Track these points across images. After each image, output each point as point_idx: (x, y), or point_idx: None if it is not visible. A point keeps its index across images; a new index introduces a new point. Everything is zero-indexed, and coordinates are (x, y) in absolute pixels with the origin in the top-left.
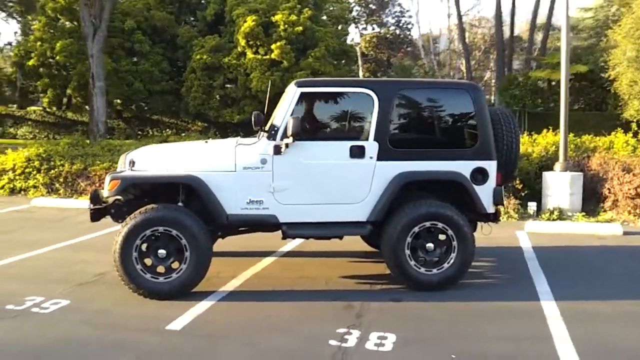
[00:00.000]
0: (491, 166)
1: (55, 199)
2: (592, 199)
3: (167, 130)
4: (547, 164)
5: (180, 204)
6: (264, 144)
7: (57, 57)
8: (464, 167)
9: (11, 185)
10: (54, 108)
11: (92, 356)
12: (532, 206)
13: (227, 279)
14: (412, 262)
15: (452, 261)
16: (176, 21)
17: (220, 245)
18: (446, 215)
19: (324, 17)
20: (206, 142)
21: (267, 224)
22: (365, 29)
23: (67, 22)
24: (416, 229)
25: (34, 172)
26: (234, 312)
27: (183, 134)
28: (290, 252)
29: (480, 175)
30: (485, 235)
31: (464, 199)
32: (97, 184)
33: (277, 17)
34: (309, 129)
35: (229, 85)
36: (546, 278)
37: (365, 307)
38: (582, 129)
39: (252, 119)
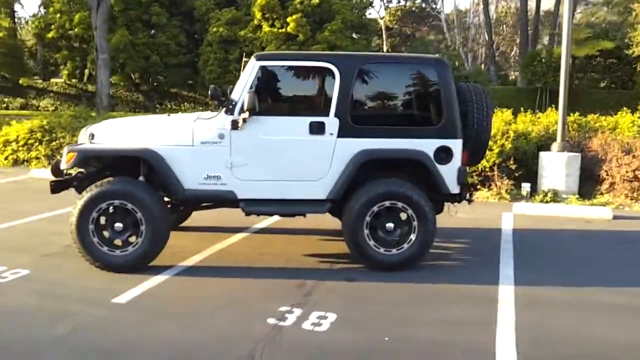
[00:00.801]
0: (456, 145)
1: None
2: (591, 181)
3: (185, 103)
4: (546, 143)
5: (141, 177)
6: (222, 118)
7: (76, 30)
8: (427, 146)
9: (14, 157)
10: (74, 80)
11: (29, 325)
12: (525, 187)
13: (191, 254)
14: (372, 242)
15: (411, 241)
16: None
17: (195, 219)
18: (406, 195)
19: None
20: (168, 115)
21: (225, 200)
22: (390, 1)
23: None
24: (375, 208)
25: (36, 144)
26: (183, 288)
27: (200, 108)
28: (265, 229)
29: (444, 154)
30: (452, 215)
31: (427, 179)
32: None
33: None
34: (268, 103)
35: (245, 59)
36: (514, 262)
37: (317, 286)
38: (605, 108)
39: (209, 92)
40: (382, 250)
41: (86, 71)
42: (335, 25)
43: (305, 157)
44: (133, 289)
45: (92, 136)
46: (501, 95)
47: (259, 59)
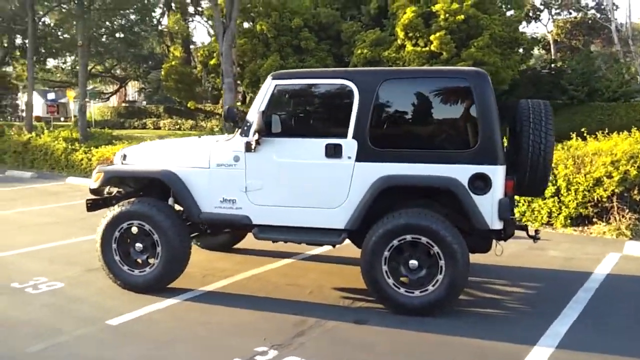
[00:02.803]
0: (496, 172)
1: None
2: None
3: None
4: None
5: (170, 199)
6: (237, 140)
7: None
8: (460, 172)
9: None
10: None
11: (13, 338)
12: None
13: (221, 278)
14: (391, 281)
15: (437, 284)
16: (342, 16)
17: (253, 242)
18: (430, 229)
19: (498, 3)
20: (199, 137)
21: (240, 225)
22: (559, 14)
23: (244, 23)
24: (395, 242)
25: None
26: (182, 314)
27: None
28: (316, 256)
29: (481, 183)
30: (498, 255)
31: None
32: None
33: (438, 7)
34: (284, 124)
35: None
36: (578, 317)
37: (316, 326)
38: None
39: (223, 113)
40: (402, 290)
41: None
42: (482, 41)
43: (322, 182)
44: (135, 311)
45: (124, 157)
46: None
47: (275, 77)
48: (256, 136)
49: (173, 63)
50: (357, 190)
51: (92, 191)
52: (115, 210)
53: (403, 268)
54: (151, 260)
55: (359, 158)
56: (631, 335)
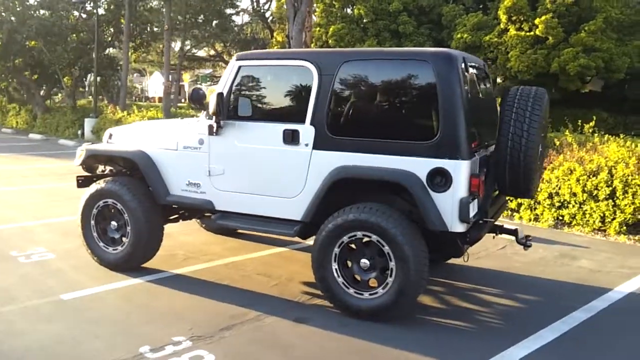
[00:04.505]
0: (457, 168)
1: None
2: None
3: None
4: None
5: None
6: (202, 123)
7: (329, 41)
8: (419, 166)
9: None
10: None
11: None
12: None
13: (200, 261)
14: (340, 280)
15: (388, 287)
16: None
17: None
18: (379, 226)
19: None
20: (181, 119)
21: (203, 210)
22: None
23: (345, 8)
24: (345, 239)
25: None
26: (132, 295)
27: None
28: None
29: (440, 179)
30: (465, 262)
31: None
32: None
33: None
34: (246, 107)
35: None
36: (552, 340)
37: (255, 320)
38: None
39: (187, 95)
40: (352, 291)
41: None
42: (595, 25)
43: (279, 170)
44: (92, 287)
45: (110, 136)
46: None
47: (238, 59)
48: (214, 119)
49: (275, 48)
50: (314, 181)
51: (84, 168)
52: (92, 188)
53: (355, 267)
54: (124, 239)
55: (316, 146)
56: None
